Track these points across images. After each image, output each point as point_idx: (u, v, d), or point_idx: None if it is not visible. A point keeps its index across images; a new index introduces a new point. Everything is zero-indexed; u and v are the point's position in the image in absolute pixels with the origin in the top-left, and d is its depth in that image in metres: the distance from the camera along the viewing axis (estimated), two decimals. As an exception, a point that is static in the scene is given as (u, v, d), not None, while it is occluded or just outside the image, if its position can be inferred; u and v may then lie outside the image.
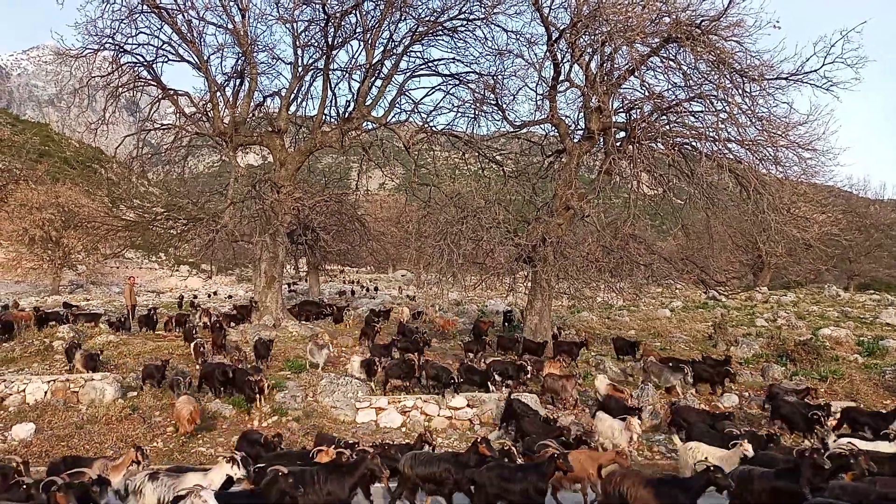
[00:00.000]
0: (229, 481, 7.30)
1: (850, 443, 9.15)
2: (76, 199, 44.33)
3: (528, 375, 15.51)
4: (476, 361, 17.57)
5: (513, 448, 9.43)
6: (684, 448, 9.91)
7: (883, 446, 9.55)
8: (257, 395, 13.70)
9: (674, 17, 17.21)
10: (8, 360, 16.84)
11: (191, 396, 13.26)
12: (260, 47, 23.89)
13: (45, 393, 14.01)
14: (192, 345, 16.91)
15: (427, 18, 21.79)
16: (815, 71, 16.47)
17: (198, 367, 15.87)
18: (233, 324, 21.40)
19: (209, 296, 42.17)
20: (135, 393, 14.61)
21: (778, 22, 17.01)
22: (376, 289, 43.68)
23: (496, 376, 15.29)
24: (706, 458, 8.88)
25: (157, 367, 14.98)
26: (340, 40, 22.61)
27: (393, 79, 23.51)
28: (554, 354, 18.33)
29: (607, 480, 7.93)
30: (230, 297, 39.45)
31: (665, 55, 18.23)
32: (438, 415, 13.97)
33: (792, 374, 17.22)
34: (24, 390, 13.95)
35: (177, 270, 59.78)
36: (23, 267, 42.30)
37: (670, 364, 16.48)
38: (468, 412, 14.05)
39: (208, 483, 7.12)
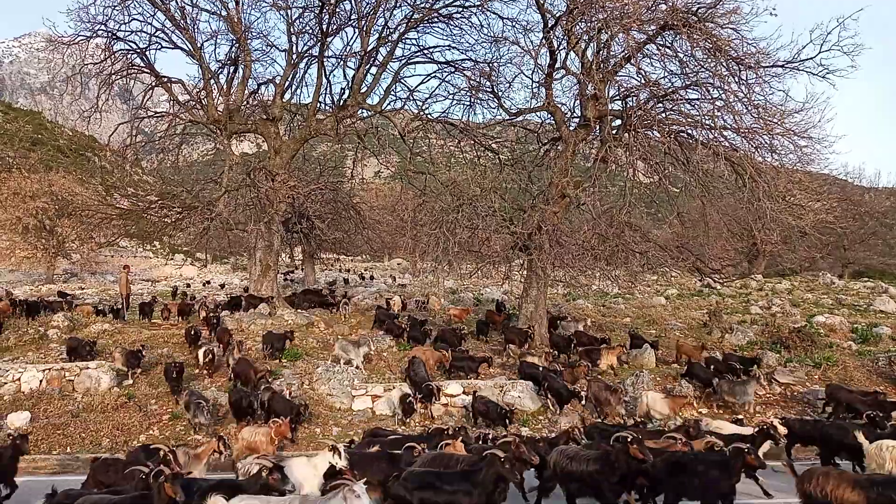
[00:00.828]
0: (332, 469, 7.17)
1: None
2: (70, 187, 44.10)
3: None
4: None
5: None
6: (877, 447, 8.60)
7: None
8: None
9: (670, 4, 17.13)
10: (3, 349, 16.78)
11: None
12: (254, 34, 23.82)
13: (41, 381, 13.99)
14: (201, 353, 15.49)
15: (422, 5, 21.69)
16: (812, 58, 16.48)
17: (205, 370, 15.54)
18: (227, 312, 21.37)
19: (203, 284, 42.10)
20: (130, 381, 14.60)
21: (774, 9, 16.97)
22: (372, 277, 43.65)
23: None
24: None
25: (132, 352, 15.09)
26: (335, 27, 22.48)
27: (388, 66, 23.44)
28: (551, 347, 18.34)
29: (805, 479, 7.33)
30: (222, 286, 39.40)
31: (661, 43, 18.16)
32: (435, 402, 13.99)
33: (786, 360, 17.30)
34: (19, 379, 13.92)
35: (171, 259, 59.62)
36: (17, 256, 42.12)
37: (739, 378, 14.86)
38: (464, 399, 14.08)
39: (313, 469, 7.20)
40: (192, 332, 17.05)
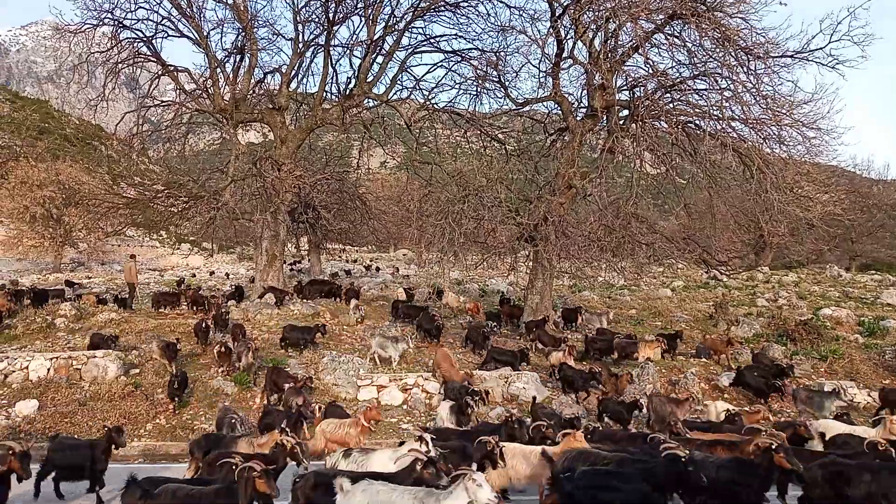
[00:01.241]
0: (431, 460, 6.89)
1: None
2: (77, 176, 44.25)
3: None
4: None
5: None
6: None
7: None
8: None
9: (679, -7, 16.99)
10: (11, 338, 16.87)
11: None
12: (260, 23, 23.82)
13: (48, 370, 14.05)
14: (216, 352, 14.77)
15: (429, -7, 21.55)
16: (821, 49, 16.36)
17: (220, 367, 14.84)
18: (233, 302, 21.43)
19: (210, 274, 42.23)
20: (137, 370, 14.67)
21: (785, -2, 16.82)
22: (377, 269, 43.69)
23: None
24: None
25: (103, 338, 15.26)
26: (341, 16, 22.41)
27: (394, 55, 23.35)
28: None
29: None
30: (227, 275, 39.51)
31: (669, 32, 18.05)
32: (439, 392, 14.02)
33: (792, 353, 17.25)
34: (27, 367, 14.00)
35: (178, 248, 59.86)
36: (24, 245, 42.30)
37: (822, 389, 13.83)
38: (469, 390, 14.08)
39: (396, 461, 7.05)
40: (204, 327, 16.64)
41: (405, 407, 13.78)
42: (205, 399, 13.42)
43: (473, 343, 17.69)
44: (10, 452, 7.36)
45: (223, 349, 14.62)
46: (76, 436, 10.98)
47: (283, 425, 8.90)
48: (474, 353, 17.43)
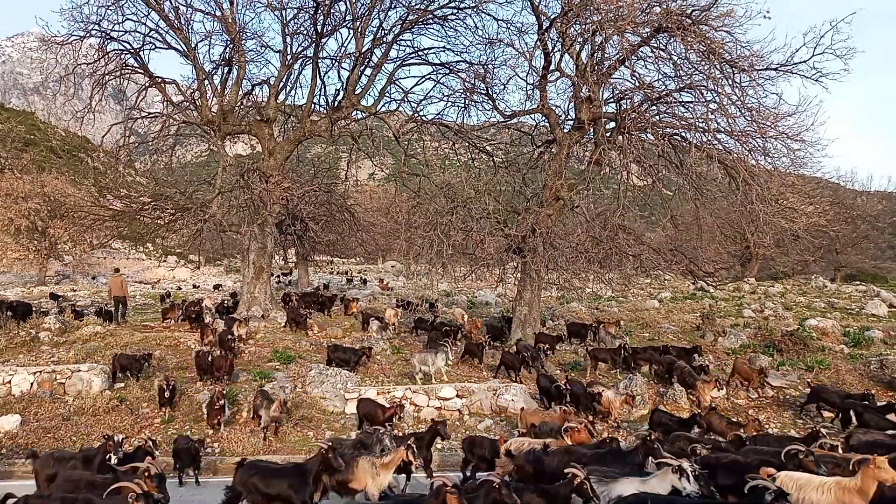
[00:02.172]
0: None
1: None
2: (62, 188, 43.91)
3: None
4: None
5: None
6: None
7: None
8: None
9: (664, 6, 17.19)
10: (-7, 352, 16.68)
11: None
12: (248, 35, 23.76)
13: (32, 384, 13.88)
14: (205, 406, 12.78)
15: (417, 6, 21.67)
16: (805, 62, 16.57)
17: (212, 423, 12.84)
18: (219, 316, 21.31)
19: (194, 286, 41.93)
20: (122, 384, 14.51)
21: (768, 12, 17.09)
22: (364, 281, 43.57)
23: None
24: None
25: (135, 358, 14.94)
26: (330, 28, 22.44)
27: (383, 67, 23.39)
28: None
29: None
30: (217, 286, 39.28)
31: (655, 45, 18.22)
32: (428, 405, 13.96)
33: (779, 364, 17.33)
34: (9, 381, 13.81)
35: (164, 261, 59.39)
36: (8, 257, 41.91)
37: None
38: (457, 402, 14.04)
39: (651, 491, 6.86)
40: (206, 358, 14.60)
41: (393, 420, 13.70)
42: (191, 414, 13.27)
43: (509, 368, 16.56)
44: (146, 475, 7.22)
45: (216, 405, 12.33)
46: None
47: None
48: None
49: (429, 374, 15.58)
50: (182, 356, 16.94)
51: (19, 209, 40.44)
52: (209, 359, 14.52)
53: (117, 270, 24.04)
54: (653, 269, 20.55)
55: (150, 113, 24.41)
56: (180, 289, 40.67)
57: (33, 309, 20.73)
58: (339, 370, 15.30)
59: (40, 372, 14.15)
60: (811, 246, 35.03)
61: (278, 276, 42.69)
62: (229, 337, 16.58)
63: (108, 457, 8.75)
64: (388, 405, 12.46)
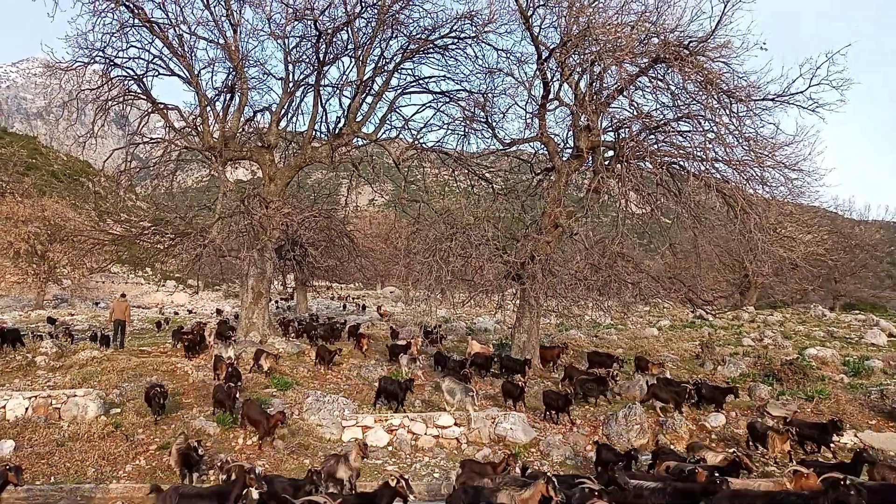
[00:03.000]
0: None
1: None
2: (63, 212, 44.07)
3: None
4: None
5: None
6: None
7: None
8: None
9: (662, 37, 17.42)
10: (-12, 376, 16.57)
11: None
12: (251, 62, 23.99)
13: (27, 409, 13.77)
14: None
15: (418, 36, 21.94)
16: (801, 92, 16.73)
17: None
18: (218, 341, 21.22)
19: (189, 312, 41.82)
20: (118, 409, 14.40)
21: (765, 44, 17.30)
22: (363, 307, 43.48)
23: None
24: None
25: (156, 392, 13.95)
26: (332, 57, 22.70)
27: (384, 95, 23.64)
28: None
29: None
30: (219, 311, 39.17)
31: (653, 75, 18.44)
32: (426, 433, 13.84)
33: (779, 393, 17.23)
34: (4, 406, 13.70)
35: (163, 285, 59.36)
36: (6, 281, 41.86)
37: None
38: (455, 431, 13.93)
39: None
40: (226, 393, 13.95)
41: (390, 448, 13.58)
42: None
43: (551, 408, 15.27)
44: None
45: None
46: (52, 478, 10.73)
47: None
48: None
49: (451, 402, 15.02)
50: (179, 381, 16.85)
51: (19, 233, 40.54)
52: (228, 393, 13.87)
53: (123, 295, 24.13)
54: (651, 296, 20.53)
55: (152, 138, 24.58)
56: (177, 313, 40.59)
57: (22, 334, 20.65)
58: (337, 397, 15.19)
59: (35, 397, 14.05)
60: (810, 275, 35.06)
61: (276, 302, 42.60)
62: (259, 364, 17.34)
63: (244, 492, 7.90)
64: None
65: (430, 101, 24.28)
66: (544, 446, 13.41)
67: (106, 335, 21.65)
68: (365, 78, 22.54)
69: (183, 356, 19.43)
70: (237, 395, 14.18)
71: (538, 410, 15.69)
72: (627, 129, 19.05)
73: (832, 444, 12.94)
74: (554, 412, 15.24)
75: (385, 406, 15.48)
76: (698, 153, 17.86)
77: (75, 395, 14.08)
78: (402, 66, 23.12)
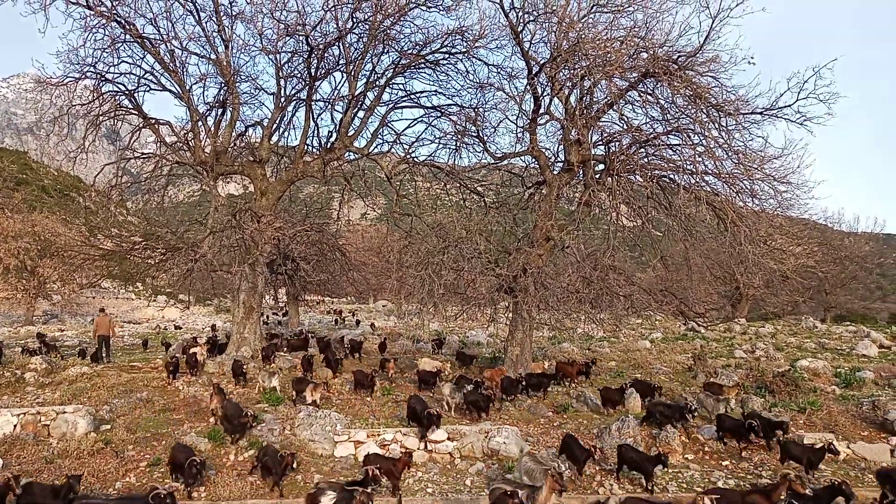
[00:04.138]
0: None
1: None
2: (53, 227, 43.89)
3: None
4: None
5: None
6: None
7: None
8: None
9: (651, 52, 17.58)
10: (-24, 393, 16.42)
11: None
12: (243, 77, 24.05)
13: (15, 426, 13.63)
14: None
15: (409, 51, 22.08)
16: (789, 106, 16.86)
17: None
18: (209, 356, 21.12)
19: (176, 328, 41.56)
20: (108, 426, 14.28)
21: (752, 58, 17.46)
22: (358, 322, 43.34)
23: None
24: None
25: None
26: (323, 72, 22.81)
27: (375, 110, 23.73)
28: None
29: None
30: (214, 327, 38.94)
31: (643, 89, 18.59)
32: (419, 448, 13.77)
33: (771, 405, 17.26)
34: (-8, 424, 13.57)
35: (154, 300, 59.01)
36: (-4, 296, 41.58)
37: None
38: (448, 446, 13.86)
39: None
40: (277, 458, 11.68)
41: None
42: (177, 456, 13.03)
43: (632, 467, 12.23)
44: None
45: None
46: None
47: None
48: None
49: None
50: (170, 397, 16.75)
51: (9, 248, 40.33)
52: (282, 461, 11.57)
53: (102, 310, 24.04)
54: (643, 309, 20.56)
55: (143, 153, 24.58)
56: (165, 328, 40.32)
57: (2, 350, 20.53)
58: (329, 412, 15.11)
59: (24, 414, 13.92)
60: (800, 287, 35.31)
61: (267, 316, 42.39)
62: (302, 396, 16.15)
63: None
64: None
65: (421, 116, 24.43)
66: (538, 460, 13.34)
67: (94, 350, 21.56)
68: (356, 93, 22.64)
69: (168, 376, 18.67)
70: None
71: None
72: (618, 143, 19.17)
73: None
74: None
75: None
76: (688, 166, 17.98)
77: (65, 412, 13.96)
78: (393, 80, 23.26)
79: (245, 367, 18.83)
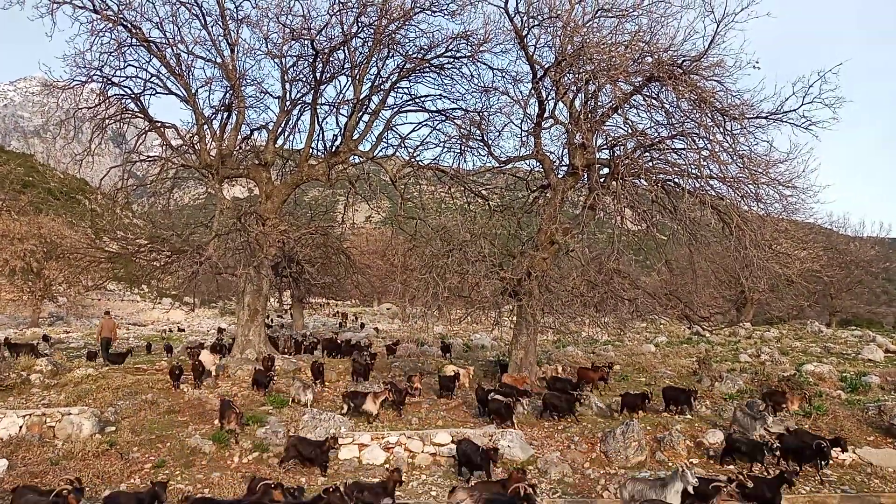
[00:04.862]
0: None
1: None
2: (59, 230, 44.10)
3: None
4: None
5: None
6: None
7: None
8: None
9: (656, 56, 17.57)
10: (-17, 394, 16.50)
11: None
12: (248, 81, 24.11)
13: (20, 428, 13.69)
14: None
15: (414, 55, 22.12)
16: (794, 110, 16.83)
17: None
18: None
19: (179, 330, 41.65)
20: (113, 428, 14.32)
21: (758, 62, 17.43)
22: (362, 325, 43.36)
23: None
24: None
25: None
26: (328, 75, 22.88)
27: (380, 114, 23.76)
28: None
29: None
30: (221, 330, 39.01)
31: (648, 93, 18.59)
32: (422, 451, 13.78)
33: (776, 410, 17.20)
34: (-3, 425, 13.63)
35: (159, 303, 59.18)
36: (2, 299, 41.79)
37: None
38: (452, 448, 13.86)
39: None
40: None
41: (387, 466, 13.50)
42: (181, 458, 13.08)
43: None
44: None
45: None
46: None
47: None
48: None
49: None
50: (174, 399, 16.79)
51: (15, 250, 40.51)
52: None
53: (108, 313, 24.30)
54: (648, 313, 20.54)
55: (149, 156, 24.69)
56: (170, 330, 40.39)
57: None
58: (333, 415, 15.12)
59: (30, 415, 13.98)
60: (805, 291, 35.19)
61: (271, 319, 42.44)
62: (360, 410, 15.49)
63: None
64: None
65: (426, 120, 24.43)
66: (542, 464, 13.34)
67: (121, 352, 21.84)
68: (361, 97, 22.69)
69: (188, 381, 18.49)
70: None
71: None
72: (622, 147, 19.16)
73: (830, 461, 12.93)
74: None
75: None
76: (693, 170, 17.97)
77: (70, 414, 14.02)
78: (398, 84, 23.30)
79: (272, 375, 18.24)
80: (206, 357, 19.31)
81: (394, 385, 16.91)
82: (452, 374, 19.65)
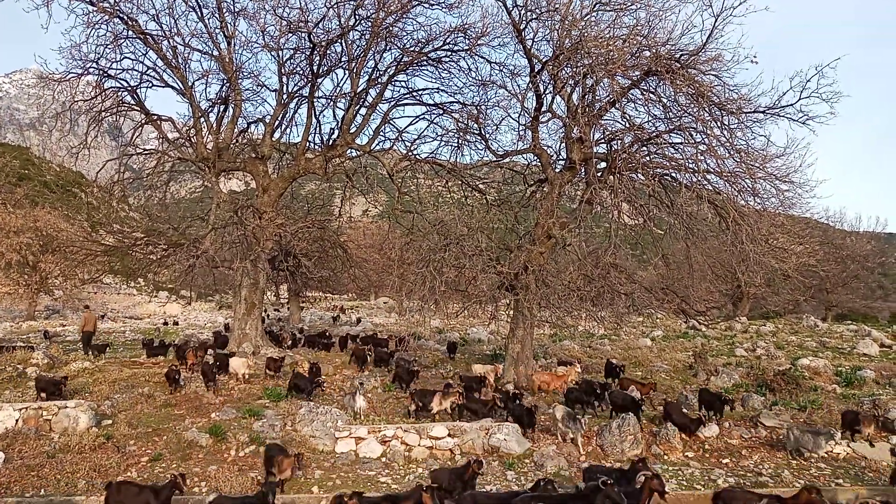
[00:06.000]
0: None
1: None
2: (55, 223, 43.96)
3: None
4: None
5: None
6: None
7: None
8: None
9: (654, 50, 17.55)
10: (-22, 388, 16.47)
11: None
12: (245, 74, 24.06)
13: (17, 421, 13.67)
14: None
15: (412, 49, 22.08)
16: (792, 105, 16.82)
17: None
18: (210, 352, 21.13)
19: (175, 324, 41.56)
20: (109, 421, 14.32)
21: (755, 57, 17.41)
22: (358, 320, 43.36)
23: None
24: None
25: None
26: (325, 69, 22.84)
27: (377, 107, 23.76)
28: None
29: None
30: (227, 327, 38.91)
31: (645, 88, 18.55)
32: (419, 444, 13.79)
33: (771, 403, 17.29)
34: (-6, 418, 13.61)
35: (155, 296, 59.11)
36: (-3, 292, 41.69)
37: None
38: (449, 442, 13.88)
39: None
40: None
41: (384, 460, 13.52)
42: (178, 451, 13.08)
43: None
44: None
45: None
46: (42, 490, 10.63)
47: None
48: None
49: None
50: (171, 393, 16.77)
51: (10, 243, 40.38)
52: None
53: (87, 307, 24.60)
54: (645, 307, 20.57)
55: (145, 149, 24.64)
56: (166, 323, 40.30)
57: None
58: (330, 408, 15.13)
59: (26, 408, 13.96)
60: (802, 285, 35.27)
61: (268, 313, 42.37)
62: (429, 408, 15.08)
63: None
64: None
65: (423, 113, 24.45)
66: (538, 457, 13.37)
67: (102, 345, 21.76)
68: (359, 90, 22.66)
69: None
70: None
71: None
72: (620, 141, 19.15)
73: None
74: None
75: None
76: (690, 165, 17.96)
77: (66, 407, 14.00)
78: (395, 78, 23.27)
79: (320, 381, 17.30)
80: (237, 363, 18.34)
81: (404, 366, 17.97)
82: (480, 375, 18.93)
